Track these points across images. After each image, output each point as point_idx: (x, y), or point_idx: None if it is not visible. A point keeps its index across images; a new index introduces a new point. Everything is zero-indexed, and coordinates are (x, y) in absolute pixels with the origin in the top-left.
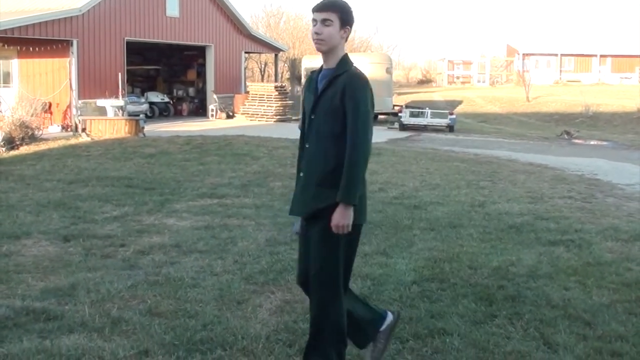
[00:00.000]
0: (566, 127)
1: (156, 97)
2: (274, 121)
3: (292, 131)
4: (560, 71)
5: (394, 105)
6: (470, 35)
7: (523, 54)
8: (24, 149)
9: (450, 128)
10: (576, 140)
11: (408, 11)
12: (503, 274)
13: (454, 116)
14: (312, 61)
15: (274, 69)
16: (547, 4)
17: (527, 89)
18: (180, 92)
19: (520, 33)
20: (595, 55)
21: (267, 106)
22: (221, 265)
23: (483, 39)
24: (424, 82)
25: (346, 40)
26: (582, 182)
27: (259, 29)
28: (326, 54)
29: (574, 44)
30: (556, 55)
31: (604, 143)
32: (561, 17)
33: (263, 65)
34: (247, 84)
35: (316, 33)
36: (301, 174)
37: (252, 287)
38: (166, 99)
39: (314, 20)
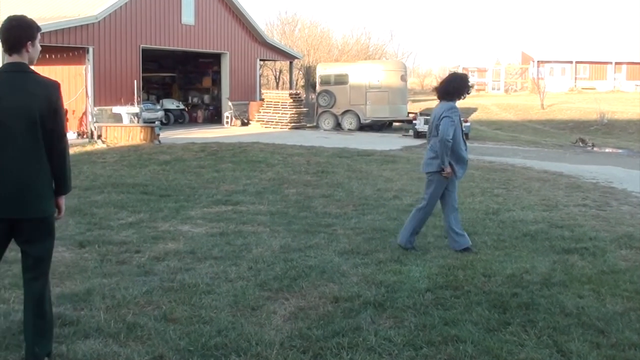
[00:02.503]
0: (581, 134)
1: (171, 104)
2: (289, 128)
3: (307, 138)
4: (575, 78)
5: (409, 113)
6: (485, 43)
7: (538, 62)
8: None
9: (465, 135)
10: (595, 149)
11: (423, 18)
12: (517, 281)
13: (468, 123)
14: (327, 69)
15: (288, 77)
16: (562, 11)
17: (541, 96)
18: (195, 99)
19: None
20: (611, 63)
21: (282, 113)
22: (236, 272)
23: (498, 46)
24: None
25: None
26: (596, 189)
27: (274, 37)
28: None
29: (589, 52)
30: (571, 62)
31: (619, 151)
32: (576, 24)
33: (278, 73)
34: (262, 91)
35: None
36: None
37: (266, 293)
38: (181, 106)
39: None
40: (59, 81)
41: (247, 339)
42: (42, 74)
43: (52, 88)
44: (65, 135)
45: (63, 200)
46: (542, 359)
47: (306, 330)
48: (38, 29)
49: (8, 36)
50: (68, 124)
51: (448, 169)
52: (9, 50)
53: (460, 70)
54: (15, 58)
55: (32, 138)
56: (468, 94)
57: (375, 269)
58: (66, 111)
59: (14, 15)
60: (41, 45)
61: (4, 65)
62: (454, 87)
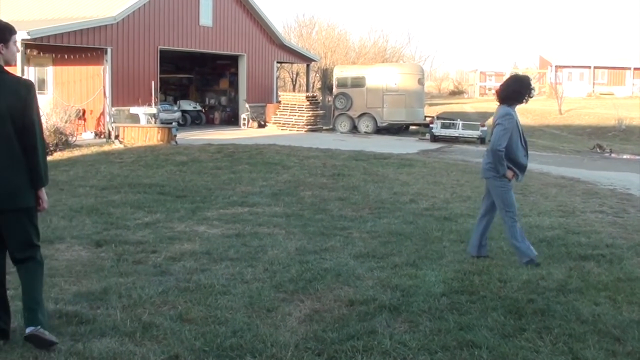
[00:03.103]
0: (599, 140)
1: (189, 105)
2: (305, 131)
3: (323, 141)
4: (594, 84)
5: (426, 116)
6: (502, 47)
7: (556, 66)
8: (57, 155)
9: (481, 140)
10: (612, 155)
11: (441, 21)
12: (533, 287)
13: (485, 128)
14: (344, 71)
15: (305, 79)
16: (581, 16)
17: (559, 101)
18: (212, 101)
19: (553, 45)
20: (629, 68)
21: (299, 116)
22: (251, 273)
23: (516, 50)
24: (456, 93)
25: None
26: (614, 196)
27: (291, 39)
28: None
29: (607, 57)
30: (589, 67)
31: (637, 157)
32: (595, 29)
33: (295, 75)
34: (279, 93)
35: None
36: None
37: (281, 295)
38: (198, 108)
39: None
40: (75, 81)
41: (262, 340)
42: (60, 73)
43: (21, 86)
44: (34, 131)
45: (42, 193)
46: None
47: (321, 333)
48: (11, 31)
49: None
50: (86, 124)
51: (509, 173)
52: None
53: (477, 74)
54: None
55: (4, 134)
56: (530, 97)
57: (390, 273)
58: (83, 111)
59: None
60: (60, 46)
61: None
62: (513, 90)
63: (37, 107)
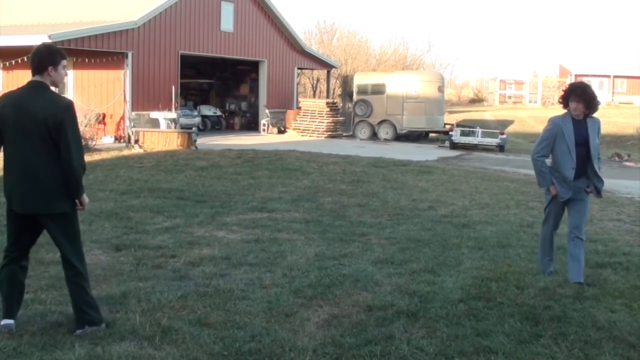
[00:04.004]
0: (617, 149)
1: (209, 110)
2: (325, 137)
3: (343, 147)
4: (613, 93)
5: (445, 124)
6: (523, 55)
7: (575, 75)
8: None
9: (500, 148)
10: (628, 164)
11: (462, 29)
12: (550, 294)
13: (504, 136)
14: (364, 78)
15: (326, 85)
16: (601, 26)
17: None
18: (232, 106)
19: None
20: None
21: (319, 122)
22: (270, 278)
23: (536, 58)
24: (476, 101)
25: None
26: (632, 204)
27: (312, 45)
28: None
29: (627, 66)
30: (609, 76)
31: None
32: (615, 38)
33: (315, 81)
34: (299, 99)
35: None
36: None
37: (300, 300)
38: (219, 113)
39: None
40: (95, 85)
41: (281, 344)
42: (81, 77)
43: (60, 104)
44: (69, 147)
45: (83, 198)
46: None
47: (339, 338)
48: (62, 56)
49: (32, 59)
50: (106, 128)
51: (552, 189)
52: (33, 71)
53: (497, 82)
54: (37, 77)
55: (44, 144)
56: (579, 103)
57: (408, 279)
58: (104, 115)
59: (43, 43)
60: (81, 50)
61: (28, 82)
62: (562, 96)
63: (75, 123)
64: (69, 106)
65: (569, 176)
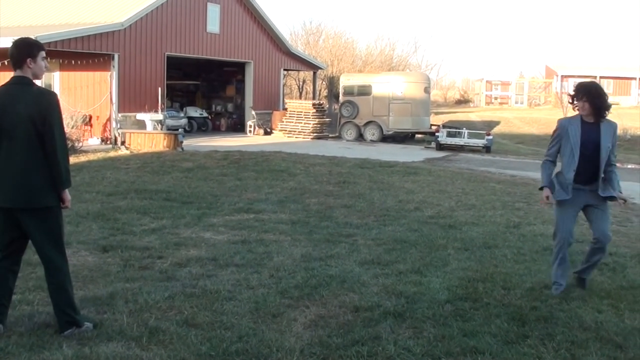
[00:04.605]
0: None
1: (195, 112)
2: (311, 138)
3: (329, 148)
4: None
5: (431, 125)
6: (509, 56)
7: (562, 76)
8: None
9: (487, 149)
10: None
11: (448, 30)
12: (536, 295)
13: (490, 137)
14: (350, 79)
15: (312, 87)
16: (587, 26)
17: (564, 110)
18: (218, 108)
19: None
20: (635, 79)
21: (305, 123)
22: (257, 279)
23: (522, 59)
24: (462, 102)
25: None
26: (617, 205)
27: (298, 47)
28: None
29: (613, 67)
30: (595, 77)
31: None
32: (601, 40)
33: (301, 83)
34: (285, 100)
35: None
36: None
37: (287, 301)
38: (205, 114)
39: None
40: (81, 86)
41: (268, 345)
42: (67, 79)
43: (43, 96)
44: (54, 137)
45: (65, 193)
46: None
47: (326, 338)
48: (39, 47)
49: (11, 54)
50: (92, 129)
51: (544, 191)
52: (13, 66)
53: (483, 83)
54: (18, 72)
55: (26, 139)
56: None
57: (395, 280)
58: (90, 117)
59: (21, 37)
60: (67, 51)
61: (10, 78)
62: (571, 96)
63: (59, 116)
64: (52, 99)
65: (569, 178)
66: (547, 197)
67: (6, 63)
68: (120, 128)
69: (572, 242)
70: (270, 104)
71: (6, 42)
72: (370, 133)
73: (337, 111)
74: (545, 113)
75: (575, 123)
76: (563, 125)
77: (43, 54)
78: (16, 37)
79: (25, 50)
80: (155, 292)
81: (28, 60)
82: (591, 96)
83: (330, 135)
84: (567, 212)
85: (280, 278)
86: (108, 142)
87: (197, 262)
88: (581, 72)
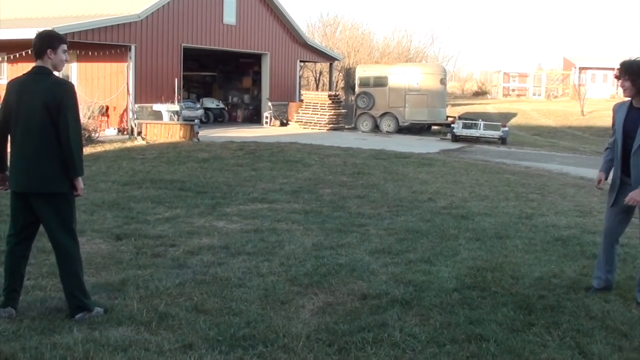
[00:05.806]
0: None
1: (211, 103)
2: (327, 129)
3: (345, 140)
4: (617, 86)
5: (448, 116)
6: (526, 48)
7: (580, 68)
8: None
9: (502, 140)
10: None
11: (465, 22)
12: (545, 284)
13: (506, 128)
14: (367, 70)
15: (328, 78)
16: (605, 18)
17: (582, 102)
18: (235, 99)
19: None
20: None
21: (321, 114)
22: (267, 267)
23: (540, 51)
24: (479, 94)
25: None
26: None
27: (315, 38)
28: None
29: (631, 58)
30: (613, 69)
31: None
32: (619, 31)
33: (318, 74)
34: (302, 92)
35: None
36: None
37: (296, 288)
38: (221, 105)
39: None
40: (98, 77)
41: (275, 330)
42: (84, 70)
43: (60, 87)
44: (67, 127)
45: (78, 181)
46: (563, 359)
47: (333, 325)
48: (60, 40)
49: (33, 44)
50: (109, 120)
51: (598, 175)
52: (35, 57)
53: (501, 75)
54: (39, 62)
55: (40, 127)
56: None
57: (404, 269)
58: (107, 108)
59: (45, 29)
60: (84, 43)
61: (31, 68)
62: (616, 76)
63: (74, 106)
64: (68, 88)
65: (615, 174)
66: (599, 181)
67: (30, 52)
68: (136, 119)
69: (613, 241)
70: (287, 95)
71: (26, 33)
72: (386, 124)
73: (353, 102)
74: (563, 105)
75: (622, 108)
76: (614, 110)
77: (64, 47)
78: (40, 29)
79: (46, 42)
80: (166, 279)
81: (48, 51)
82: (634, 75)
83: (346, 127)
84: (611, 210)
85: (291, 266)
86: (125, 133)
87: (209, 250)
88: (600, 64)
